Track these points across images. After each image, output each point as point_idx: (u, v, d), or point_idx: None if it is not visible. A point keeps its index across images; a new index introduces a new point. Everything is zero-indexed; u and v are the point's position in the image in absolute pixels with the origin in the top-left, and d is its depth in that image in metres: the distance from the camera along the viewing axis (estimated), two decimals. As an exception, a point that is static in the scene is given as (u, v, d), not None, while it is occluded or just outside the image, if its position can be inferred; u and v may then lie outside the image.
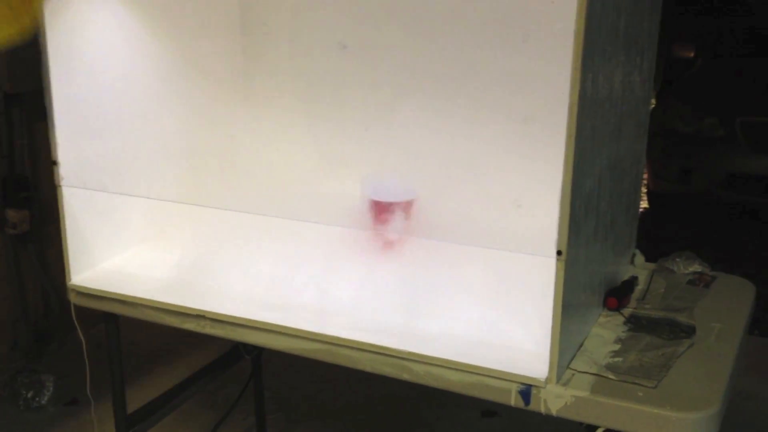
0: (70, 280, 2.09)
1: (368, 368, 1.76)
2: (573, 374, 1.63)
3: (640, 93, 1.95)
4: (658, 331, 1.80)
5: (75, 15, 1.97)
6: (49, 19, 1.90)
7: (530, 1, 2.00)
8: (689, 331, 1.81)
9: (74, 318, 2.10)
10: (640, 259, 2.18)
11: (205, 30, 2.38)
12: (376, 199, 2.12)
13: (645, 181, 5.91)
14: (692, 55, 6.27)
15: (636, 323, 1.84)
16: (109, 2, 2.07)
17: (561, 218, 1.50)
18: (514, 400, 1.62)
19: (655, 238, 5.28)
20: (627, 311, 1.90)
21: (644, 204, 5.99)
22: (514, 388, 1.61)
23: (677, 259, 2.13)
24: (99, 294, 2.06)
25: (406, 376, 1.72)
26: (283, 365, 3.45)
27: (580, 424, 1.61)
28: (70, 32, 1.97)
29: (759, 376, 3.44)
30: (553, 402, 1.59)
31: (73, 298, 2.10)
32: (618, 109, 1.74)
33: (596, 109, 1.56)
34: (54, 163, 2.01)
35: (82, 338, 2.11)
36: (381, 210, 2.10)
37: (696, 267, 2.12)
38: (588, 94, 1.47)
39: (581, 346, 1.74)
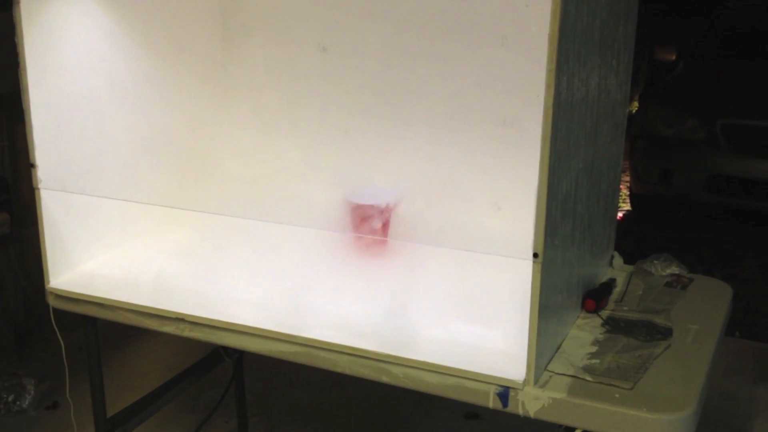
0: (48, 283, 2.08)
1: (347, 371, 1.76)
2: (550, 376, 1.64)
3: (617, 96, 1.96)
4: (635, 333, 1.81)
5: (52, 16, 1.97)
6: (26, 20, 1.89)
7: (507, 5, 2.01)
8: (666, 332, 1.82)
9: (53, 321, 2.09)
10: (618, 261, 2.19)
11: (184, 31, 2.38)
12: (356, 202, 2.12)
13: (628, 184, 5.94)
14: (674, 58, 6.30)
15: (613, 325, 1.85)
16: (86, 4, 2.06)
17: (537, 220, 1.50)
18: (492, 402, 1.62)
19: (638, 240, 5.31)
20: (605, 313, 1.91)
21: (627, 206, 6.02)
22: (492, 390, 1.62)
23: (655, 262, 2.15)
24: (78, 297, 2.05)
25: (384, 379, 1.72)
26: (264, 368, 3.45)
27: (559, 425, 1.62)
28: (47, 33, 1.96)
29: (739, 377, 3.46)
30: (531, 404, 1.60)
31: (52, 301, 2.09)
32: (594, 111, 1.75)
33: (572, 111, 1.57)
34: (32, 165, 2.00)
35: (61, 341, 2.10)
36: (360, 213, 2.11)
37: (673, 269, 2.13)
38: (563, 96, 1.48)
39: (559, 347, 1.75)
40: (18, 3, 1.88)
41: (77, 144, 2.10)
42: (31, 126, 1.97)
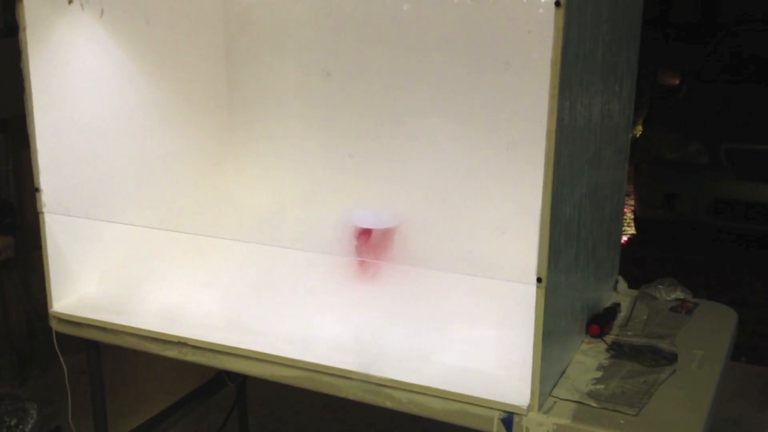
0: (51, 306, 2.08)
1: (350, 396, 1.75)
2: (555, 402, 1.63)
3: (620, 120, 1.96)
4: (640, 358, 1.80)
5: (58, 41, 1.98)
6: (32, 45, 1.91)
7: (511, 30, 2.02)
8: (671, 358, 1.81)
9: (56, 345, 2.09)
10: (622, 285, 2.18)
11: (189, 57, 2.39)
12: (360, 225, 2.12)
13: (632, 207, 5.94)
14: (678, 82, 6.33)
15: (618, 350, 1.84)
16: (92, 30, 2.08)
17: (540, 245, 1.50)
18: (496, 428, 1.61)
19: (642, 264, 5.29)
20: (609, 338, 1.90)
21: (631, 230, 6.01)
22: (496, 415, 1.61)
23: (659, 286, 2.14)
24: (81, 321, 2.05)
25: (388, 404, 1.71)
26: (267, 392, 3.43)
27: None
28: (53, 58, 1.97)
29: (745, 403, 3.43)
30: (535, 429, 1.59)
31: (55, 325, 2.09)
32: (597, 136, 1.75)
33: (575, 136, 1.57)
34: (36, 189, 2.00)
35: (63, 366, 2.09)
36: (364, 237, 2.10)
37: (678, 294, 2.13)
38: (566, 121, 1.48)
39: (563, 373, 1.74)
40: (24, 28, 1.89)
41: (82, 168, 2.11)
42: (36, 150, 1.98)
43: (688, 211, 5.43)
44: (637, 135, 6.52)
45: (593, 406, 1.60)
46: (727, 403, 3.27)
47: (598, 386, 1.68)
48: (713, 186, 5.30)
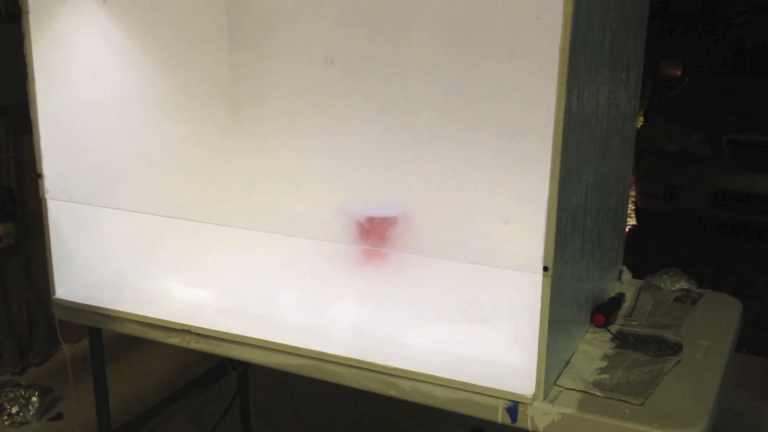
0: (54, 293, 2.07)
1: (354, 384, 1.75)
2: (560, 391, 1.62)
3: (626, 110, 1.95)
4: (644, 348, 1.80)
5: (61, 27, 1.97)
6: (35, 30, 1.90)
7: (517, 18, 2.01)
8: (676, 348, 1.80)
9: (58, 332, 2.08)
10: (627, 275, 2.18)
11: (192, 44, 2.39)
12: (363, 214, 2.11)
13: (633, 198, 5.93)
14: (680, 73, 6.31)
15: (623, 340, 1.84)
16: (95, 16, 2.07)
17: (547, 234, 1.49)
18: (500, 417, 1.61)
19: (644, 255, 5.29)
20: (614, 328, 1.90)
21: (632, 221, 6.01)
22: (501, 404, 1.60)
23: (664, 276, 2.14)
24: (83, 308, 2.04)
25: (392, 393, 1.71)
26: (269, 381, 3.44)
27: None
28: (56, 45, 1.96)
29: (747, 394, 3.44)
30: (540, 419, 1.58)
31: (57, 312, 2.09)
32: (604, 125, 1.74)
33: (582, 125, 1.56)
34: (39, 175, 2.00)
35: (66, 353, 2.09)
36: (367, 225, 2.10)
37: (683, 284, 2.12)
38: (573, 110, 1.47)
39: (568, 362, 1.73)
40: (27, 14, 1.88)
41: (84, 154, 2.10)
42: (38, 136, 1.97)
43: (690, 203, 5.43)
44: (638, 125, 6.50)
45: (598, 396, 1.60)
46: (728, 394, 3.27)
47: (603, 376, 1.68)
48: (715, 177, 5.30)
